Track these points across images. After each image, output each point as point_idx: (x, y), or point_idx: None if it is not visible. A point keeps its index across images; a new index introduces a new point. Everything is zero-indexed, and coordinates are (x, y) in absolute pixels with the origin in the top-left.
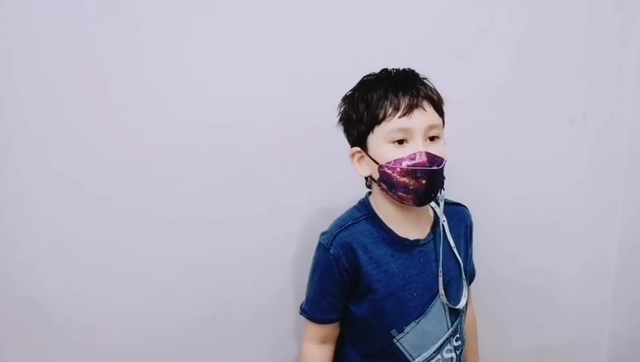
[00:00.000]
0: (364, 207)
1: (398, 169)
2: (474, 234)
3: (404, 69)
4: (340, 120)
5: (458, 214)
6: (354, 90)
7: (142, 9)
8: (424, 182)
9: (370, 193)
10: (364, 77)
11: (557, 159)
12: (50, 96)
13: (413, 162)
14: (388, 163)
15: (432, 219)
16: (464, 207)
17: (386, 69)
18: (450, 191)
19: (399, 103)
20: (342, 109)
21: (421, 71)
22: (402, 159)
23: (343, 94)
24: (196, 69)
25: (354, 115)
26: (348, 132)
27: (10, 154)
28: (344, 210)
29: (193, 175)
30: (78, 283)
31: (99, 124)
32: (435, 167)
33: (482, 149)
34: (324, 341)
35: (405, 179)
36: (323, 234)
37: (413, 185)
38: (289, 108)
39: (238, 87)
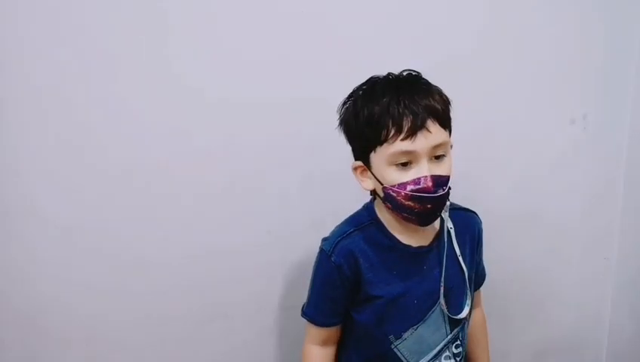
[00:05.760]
0: (368, 213)
1: (403, 193)
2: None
3: (408, 74)
4: (340, 124)
5: (466, 220)
6: (355, 95)
7: None
8: (429, 206)
9: (374, 198)
10: (366, 81)
11: (557, 159)
12: None
13: (417, 187)
14: (392, 186)
15: (438, 225)
16: (474, 213)
17: (390, 74)
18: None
19: (402, 125)
20: (342, 115)
21: (421, 71)
22: (407, 183)
23: (346, 95)
24: (200, 65)
25: (354, 125)
26: (349, 140)
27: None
28: (347, 211)
29: (191, 174)
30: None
31: None
32: (440, 193)
33: (482, 149)
34: (325, 342)
35: (410, 203)
36: (325, 239)
37: (419, 208)
38: (293, 107)
39: (240, 85)
